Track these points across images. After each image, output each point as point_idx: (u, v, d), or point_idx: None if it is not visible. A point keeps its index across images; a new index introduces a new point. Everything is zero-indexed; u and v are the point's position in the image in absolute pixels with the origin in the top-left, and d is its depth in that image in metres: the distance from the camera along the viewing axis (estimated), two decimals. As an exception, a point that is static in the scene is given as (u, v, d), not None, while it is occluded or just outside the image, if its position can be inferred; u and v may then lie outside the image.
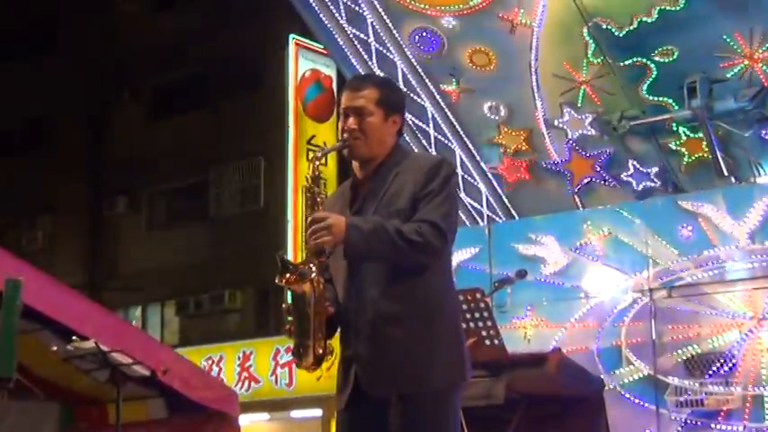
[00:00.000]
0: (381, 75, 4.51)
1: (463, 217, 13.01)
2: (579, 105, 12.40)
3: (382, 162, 4.73)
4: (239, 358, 23.32)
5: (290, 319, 4.57)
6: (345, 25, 12.67)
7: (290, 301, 4.65)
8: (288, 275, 4.50)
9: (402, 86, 12.67)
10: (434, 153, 12.82)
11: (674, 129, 12.13)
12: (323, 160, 4.73)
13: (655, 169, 12.44)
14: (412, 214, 4.54)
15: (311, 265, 4.50)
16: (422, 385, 4.47)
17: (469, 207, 13.21)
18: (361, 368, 4.56)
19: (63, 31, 30.37)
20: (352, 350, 4.59)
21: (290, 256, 20.30)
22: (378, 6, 12.64)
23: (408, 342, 4.49)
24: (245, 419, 14.18)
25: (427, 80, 12.92)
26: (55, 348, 8.89)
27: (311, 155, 22.33)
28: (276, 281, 4.50)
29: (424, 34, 12.59)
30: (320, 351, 4.53)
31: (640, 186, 12.51)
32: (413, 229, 4.45)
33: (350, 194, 4.78)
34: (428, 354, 4.50)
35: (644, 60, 11.79)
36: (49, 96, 29.21)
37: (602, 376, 9.46)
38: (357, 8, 12.65)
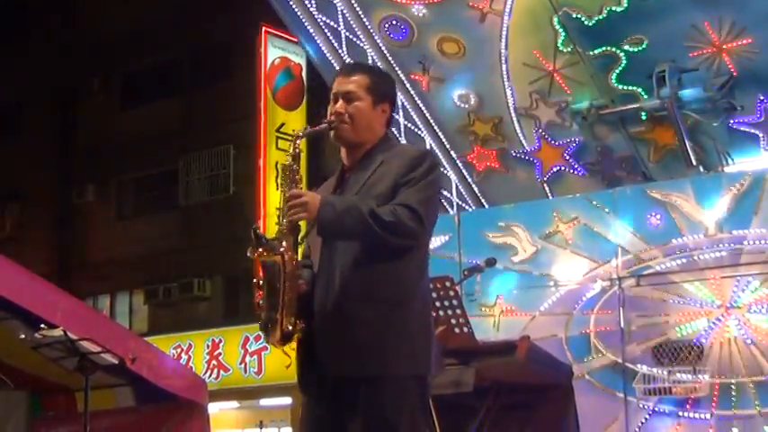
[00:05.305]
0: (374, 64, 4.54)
1: (433, 205, 13.01)
2: (549, 94, 12.43)
3: (369, 150, 4.74)
4: (208, 346, 23.33)
5: (259, 293, 4.56)
6: (315, 13, 12.64)
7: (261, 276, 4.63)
8: (260, 249, 4.49)
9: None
10: (404, 141, 12.84)
11: (643, 118, 12.17)
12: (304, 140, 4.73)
13: (624, 158, 12.47)
14: (391, 199, 4.54)
15: (284, 241, 4.50)
16: (382, 369, 4.44)
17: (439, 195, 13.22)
18: (322, 345, 4.53)
19: (32, 17, 30.15)
20: (315, 325, 4.55)
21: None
22: (348, -6, 12.63)
23: (373, 324, 4.46)
24: (213, 408, 14.18)
25: (397, 68, 12.91)
26: (23, 337, 8.85)
27: (281, 143, 22.31)
28: (248, 254, 4.49)
29: (394, 22, 12.58)
30: (289, 327, 4.49)
31: (609, 175, 12.54)
32: (388, 211, 4.45)
33: (335, 182, 4.80)
34: (393, 338, 4.46)
35: (613, 49, 11.83)
36: (17, 83, 29.03)
37: (570, 364, 9.48)
38: (327, -5, 12.64)
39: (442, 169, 4.94)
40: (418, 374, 4.55)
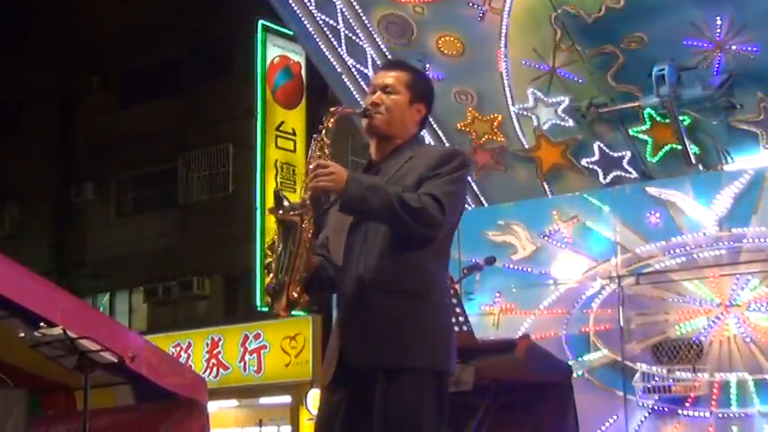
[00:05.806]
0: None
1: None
2: (548, 92, 12.42)
3: (399, 146, 4.75)
4: (208, 345, 23.35)
5: (272, 256, 4.55)
6: (314, 11, 12.63)
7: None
8: (281, 211, 4.47)
9: (371, 73, 12.67)
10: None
11: (643, 116, 12.16)
12: (335, 118, 4.70)
13: (623, 156, 12.47)
14: (416, 191, 4.54)
15: (304, 209, 4.48)
16: (400, 360, 4.43)
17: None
18: (344, 335, 4.54)
19: (31, 16, 30.15)
20: (340, 316, 4.59)
21: (258, 243, 20.29)
22: (347, -8, 12.63)
23: (396, 314, 4.46)
24: (213, 406, 14.18)
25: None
26: (22, 335, 8.84)
27: (280, 141, 22.27)
28: (268, 211, 4.50)
29: (394, 20, 12.57)
30: (295, 295, 4.48)
31: (609, 173, 12.54)
32: (414, 197, 4.44)
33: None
34: (414, 330, 4.46)
35: (613, 48, 11.82)
36: (17, 82, 29.02)
37: (570, 362, 9.49)
38: (326, -7, 12.63)
39: (469, 168, 4.87)
40: (437, 369, 4.54)
